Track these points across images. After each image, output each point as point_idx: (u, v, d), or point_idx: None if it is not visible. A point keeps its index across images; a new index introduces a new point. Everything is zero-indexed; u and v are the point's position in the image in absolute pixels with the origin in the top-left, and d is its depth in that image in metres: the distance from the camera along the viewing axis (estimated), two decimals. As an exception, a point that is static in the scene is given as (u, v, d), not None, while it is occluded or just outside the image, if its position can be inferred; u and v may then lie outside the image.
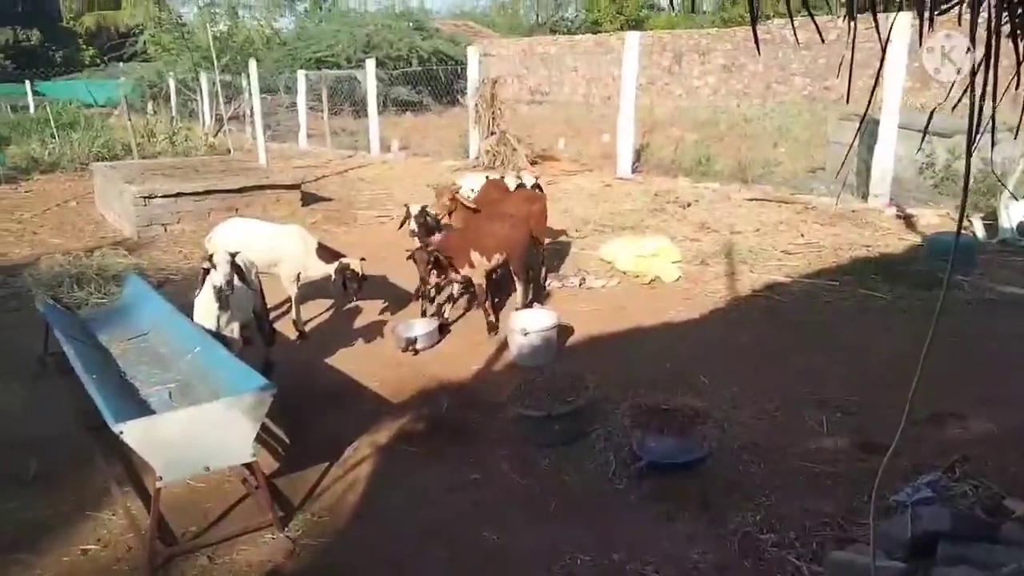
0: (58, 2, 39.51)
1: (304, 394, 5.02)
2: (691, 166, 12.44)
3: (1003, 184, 7.42)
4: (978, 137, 2.37)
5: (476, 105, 14.11)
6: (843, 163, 8.81)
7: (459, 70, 26.72)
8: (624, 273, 6.95)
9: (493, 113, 13.80)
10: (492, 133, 13.69)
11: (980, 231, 7.34)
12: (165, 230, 9.05)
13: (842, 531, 3.37)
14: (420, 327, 5.88)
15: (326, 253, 5.86)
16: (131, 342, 4.54)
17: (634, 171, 12.16)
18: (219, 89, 16.55)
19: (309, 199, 10.65)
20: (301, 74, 19.42)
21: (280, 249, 5.72)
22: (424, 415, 4.79)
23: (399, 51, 27.26)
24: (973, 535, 3.05)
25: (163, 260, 8.08)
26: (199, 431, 3.41)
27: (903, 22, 8.72)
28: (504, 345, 5.72)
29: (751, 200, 9.60)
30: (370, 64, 17.47)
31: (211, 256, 4.36)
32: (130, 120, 14.25)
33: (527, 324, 5.32)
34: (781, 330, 5.74)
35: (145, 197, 8.92)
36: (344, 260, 5.74)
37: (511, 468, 4.13)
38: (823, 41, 17.19)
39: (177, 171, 10.53)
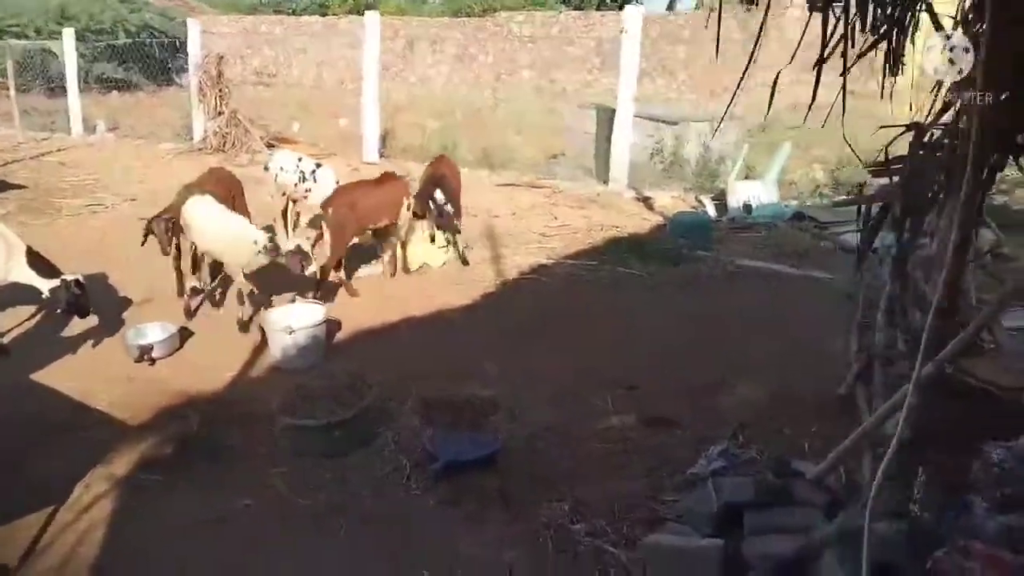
0: None
1: (10, 425, 4.03)
2: (438, 152, 12.26)
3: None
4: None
5: (200, 83, 12.75)
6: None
7: (175, 46, 24.38)
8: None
9: (220, 92, 12.55)
10: (220, 113, 12.45)
11: (711, 210, 7.98)
12: None
13: (650, 511, 3.32)
14: (155, 332, 5.01)
15: (42, 264, 4.79)
16: None
17: (381, 156, 11.72)
18: None
19: (-5, 187, 8.88)
20: (-24, 43, 16.35)
21: None
22: (170, 436, 4.04)
23: (101, 23, 24.17)
24: (773, 501, 3.12)
25: None
26: None
27: (635, 15, 9.23)
28: (261, 346, 5.08)
29: (503, 185, 9.64)
30: (68, 34, 15.15)
31: None
32: None
33: (291, 321, 4.73)
34: (551, 311, 5.71)
35: None
36: (67, 277, 4.75)
37: (289, 488, 3.59)
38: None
39: None
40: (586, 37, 24.58)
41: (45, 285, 4.80)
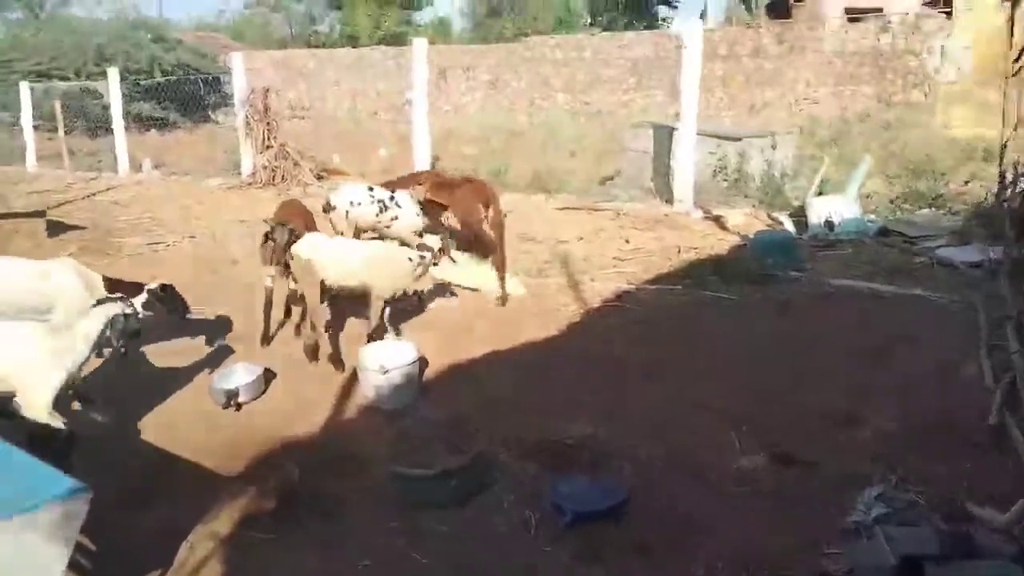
0: None
1: (98, 479, 3.80)
2: (489, 178, 12.06)
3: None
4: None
5: (247, 117, 12.73)
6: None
7: (210, 82, 24.71)
8: (467, 289, 6.32)
9: (268, 125, 12.52)
10: (268, 147, 12.41)
11: (790, 228, 7.67)
12: None
13: (813, 567, 3.01)
14: (239, 375, 4.82)
15: (122, 287, 4.60)
16: None
17: (432, 184, 11.52)
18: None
19: (55, 229, 8.81)
20: (24, 85, 16.55)
21: (51, 291, 4.44)
22: (271, 488, 3.80)
23: (139, 63, 24.58)
24: (955, 551, 2.81)
25: None
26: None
27: (694, 29, 9.00)
28: (348, 386, 4.86)
29: (561, 209, 9.41)
30: (112, 73, 15.28)
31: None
32: None
33: (386, 360, 4.50)
34: (644, 339, 5.42)
35: None
36: (151, 286, 4.53)
37: (407, 544, 3.34)
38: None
39: None
40: (620, 58, 24.53)
41: (137, 303, 4.59)
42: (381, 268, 5.00)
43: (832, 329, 5.39)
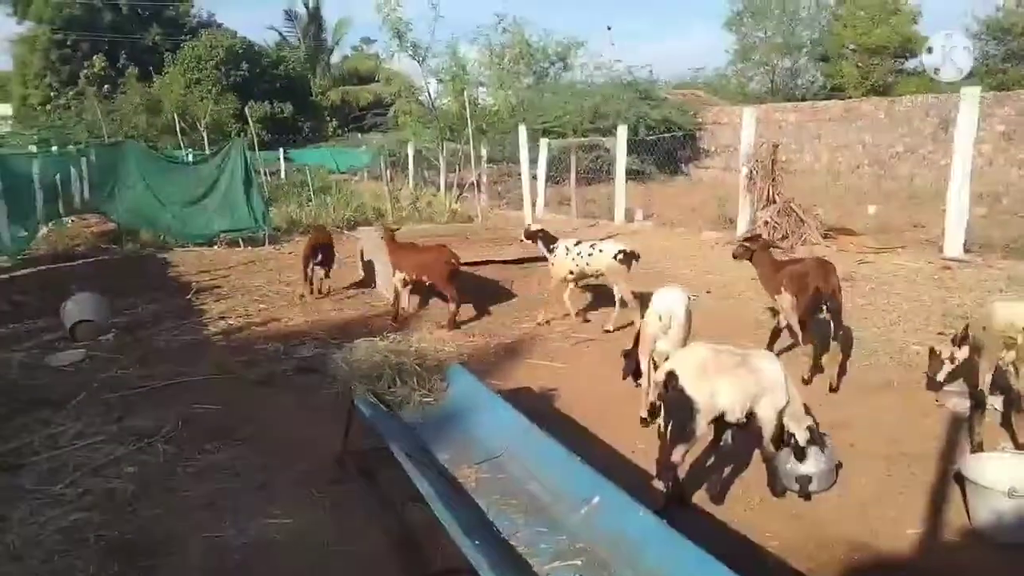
0: (309, 80, 43.33)
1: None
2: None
3: None
4: None
5: (751, 171, 12.54)
6: None
7: (687, 137, 25.60)
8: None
9: (773, 180, 12.17)
10: (772, 202, 12.03)
11: None
12: (445, 304, 8.25)
13: None
14: (814, 460, 4.32)
15: None
16: (482, 468, 3.37)
17: (965, 251, 9.93)
18: (473, 157, 16.39)
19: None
20: (544, 142, 18.90)
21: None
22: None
23: (627, 120, 26.59)
24: None
25: (451, 339, 7.20)
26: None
27: None
28: (938, 497, 4.06)
29: None
30: (621, 131, 16.55)
31: None
32: (388, 185, 14.14)
33: (1016, 479, 3.61)
34: None
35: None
36: None
37: None
38: None
39: (445, 240, 9.84)
40: None
41: None
42: None
43: None
